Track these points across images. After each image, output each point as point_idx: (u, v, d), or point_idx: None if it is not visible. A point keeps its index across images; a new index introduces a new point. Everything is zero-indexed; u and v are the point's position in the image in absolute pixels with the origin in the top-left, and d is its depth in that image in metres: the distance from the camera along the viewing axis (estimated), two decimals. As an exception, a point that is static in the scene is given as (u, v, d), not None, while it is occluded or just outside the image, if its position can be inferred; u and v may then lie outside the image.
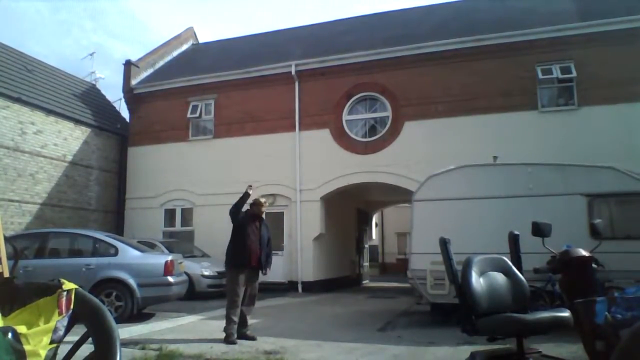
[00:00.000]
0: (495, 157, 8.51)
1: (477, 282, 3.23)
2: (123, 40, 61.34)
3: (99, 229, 13.98)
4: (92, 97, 17.23)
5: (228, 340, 6.11)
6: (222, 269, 7.66)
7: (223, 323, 6.35)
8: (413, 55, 12.93)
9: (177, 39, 19.20)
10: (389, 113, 13.26)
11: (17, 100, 12.90)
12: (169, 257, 8.40)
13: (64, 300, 1.79)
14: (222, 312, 6.68)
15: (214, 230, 12.57)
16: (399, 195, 13.99)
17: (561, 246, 3.45)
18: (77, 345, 1.87)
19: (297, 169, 13.64)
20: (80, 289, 1.90)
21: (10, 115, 12.64)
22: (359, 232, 18.19)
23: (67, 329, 1.81)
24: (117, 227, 15.37)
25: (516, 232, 3.60)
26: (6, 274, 2.13)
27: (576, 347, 3.90)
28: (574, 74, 11.48)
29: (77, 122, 14.84)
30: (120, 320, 7.28)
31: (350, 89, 13.60)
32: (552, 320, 3.06)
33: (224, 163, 14.32)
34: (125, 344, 5.62)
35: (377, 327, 7.57)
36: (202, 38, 21.94)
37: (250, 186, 6.84)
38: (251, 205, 6.72)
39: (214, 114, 15.01)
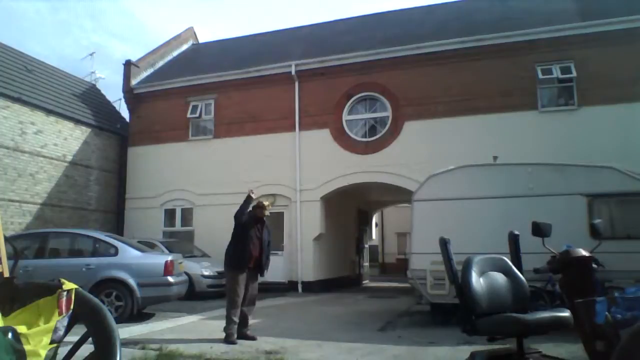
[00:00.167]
0: (495, 157, 8.50)
1: (477, 282, 3.23)
2: (123, 40, 61.38)
3: (99, 229, 13.98)
4: (92, 97, 17.23)
5: (228, 340, 6.11)
6: (222, 269, 7.66)
7: (223, 323, 6.35)
8: (413, 55, 12.93)
9: (177, 39, 19.20)
10: (389, 113, 13.26)
11: (17, 100, 12.90)
12: (169, 257, 8.40)
13: (64, 300, 1.79)
14: (222, 312, 6.69)
15: (214, 230, 12.57)
16: (399, 195, 13.99)
17: (561, 246, 3.45)
18: (77, 345, 1.87)
19: (297, 169, 13.64)
20: (80, 289, 1.90)
21: (10, 115, 12.64)
22: (359, 232, 18.19)
23: (67, 329, 1.81)
24: (117, 227, 15.37)
25: (516, 232, 3.60)
26: (6, 274, 2.13)
27: (576, 347, 3.90)
28: (574, 74, 11.48)
29: (77, 122, 14.84)
30: (120, 320, 7.28)
31: (350, 89, 13.60)
32: (552, 320, 3.06)
33: (224, 163, 14.33)
34: (125, 344, 5.61)
35: (377, 327, 7.57)
36: (202, 38, 21.94)
37: (252, 190, 6.81)
38: (254, 207, 6.67)
39: (214, 114, 15.01)
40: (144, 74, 16.71)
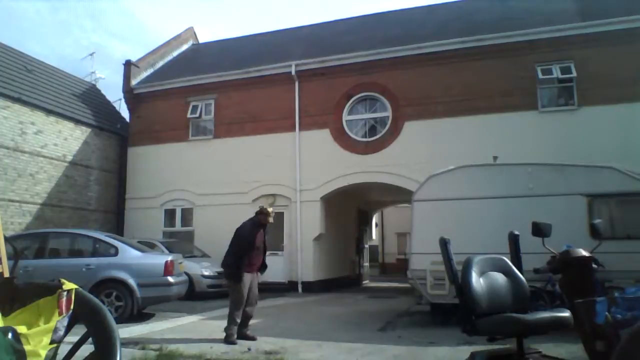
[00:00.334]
0: (495, 157, 8.50)
1: (477, 282, 3.23)
2: (123, 40, 61.39)
3: (99, 229, 13.99)
4: (92, 97, 17.23)
5: (228, 340, 6.11)
6: (222, 269, 7.66)
7: (223, 323, 6.35)
8: (413, 56, 12.93)
9: (177, 39, 19.20)
10: (389, 113, 13.26)
11: (17, 100, 12.90)
12: (169, 257, 8.40)
13: (64, 300, 1.79)
14: (222, 312, 6.69)
15: (214, 230, 12.58)
16: (399, 195, 13.99)
17: (561, 246, 3.45)
18: (77, 345, 1.87)
19: (297, 169, 13.63)
20: (80, 289, 1.90)
21: (10, 115, 12.64)
22: (359, 232, 18.19)
23: (67, 329, 1.81)
24: (117, 227, 15.37)
25: (516, 232, 3.60)
26: (6, 274, 2.13)
27: (576, 347, 3.90)
28: (574, 74, 11.48)
29: (77, 122, 14.84)
30: (120, 320, 7.28)
31: (350, 89, 13.60)
32: (552, 320, 3.06)
33: (224, 163, 14.33)
34: (125, 344, 5.61)
35: (377, 327, 7.57)
36: (202, 38, 21.94)
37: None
38: (258, 213, 6.59)
39: (214, 114, 15.01)
40: (144, 74, 16.71)
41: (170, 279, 8.10)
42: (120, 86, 16.22)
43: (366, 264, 19.11)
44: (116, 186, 16.11)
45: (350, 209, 17.10)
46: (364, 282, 18.10)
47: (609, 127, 10.91)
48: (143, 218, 14.96)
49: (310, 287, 13.10)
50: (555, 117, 11.77)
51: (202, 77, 15.21)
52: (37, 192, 13.34)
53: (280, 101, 14.13)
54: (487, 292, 3.21)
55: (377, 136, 13.30)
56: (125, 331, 6.59)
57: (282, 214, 13.64)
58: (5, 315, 1.75)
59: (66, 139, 14.39)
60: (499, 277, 3.35)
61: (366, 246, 19.37)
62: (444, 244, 3.38)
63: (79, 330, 1.86)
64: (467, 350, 3.82)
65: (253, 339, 6.27)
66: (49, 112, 13.88)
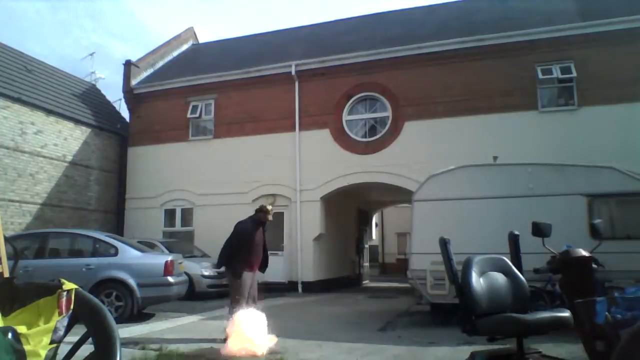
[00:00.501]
0: (495, 157, 8.50)
1: (477, 282, 3.23)
2: (123, 40, 61.38)
3: (99, 229, 13.98)
4: (92, 97, 17.23)
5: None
6: (221, 269, 7.65)
7: (223, 323, 6.34)
8: (413, 56, 12.93)
9: (177, 39, 19.20)
10: (389, 113, 13.26)
11: (17, 100, 12.90)
12: (169, 257, 8.40)
13: (64, 300, 1.79)
14: (222, 312, 6.68)
15: (214, 230, 12.54)
16: (399, 195, 13.99)
17: (561, 246, 3.45)
18: (77, 345, 1.87)
19: (297, 169, 13.63)
20: (80, 289, 1.89)
21: (10, 115, 12.64)
22: (359, 232, 18.19)
23: (67, 329, 1.80)
24: (117, 227, 15.37)
25: (516, 232, 3.60)
26: (6, 274, 2.13)
27: (576, 347, 3.90)
28: (574, 74, 11.48)
29: (77, 122, 14.84)
30: (120, 320, 7.28)
31: (350, 89, 13.60)
32: (552, 320, 3.06)
33: (224, 163, 14.33)
34: (125, 344, 5.61)
35: (377, 327, 7.57)
36: (202, 38, 21.93)
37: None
38: (258, 211, 6.58)
39: (214, 114, 15.01)
40: (144, 74, 16.71)
41: (170, 279, 8.11)
42: (120, 86, 16.24)
43: (366, 264, 19.10)
44: (116, 186, 16.11)
45: (350, 209, 17.10)
46: (364, 282, 18.10)
47: (609, 127, 10.91)
48: (143, 218, 14.96)
49: (310, 287, 13.10)
50: (555, 117, 11.77)
51: (202, 77, 15.21)
52: (37, 192, 13.34)
53: (280, 101, 14.13)
54: (487, 292, 3.21)
55: (377, 136, 13.30)
56: (125, 331, 6.59)
57: (282, 214, 13.64)
58: (5, 315, 1.75)
59: (66, 139, 14.39)
60: (499, 277, 3.35)
61: (366, 246, 19.36)
62: (444, 244, 3.38)
63: (79, 330, 1.86)
64: (467, 350, 3.82)
65: (253, 339, 6.25)
66: (49, 112, 13.88)
